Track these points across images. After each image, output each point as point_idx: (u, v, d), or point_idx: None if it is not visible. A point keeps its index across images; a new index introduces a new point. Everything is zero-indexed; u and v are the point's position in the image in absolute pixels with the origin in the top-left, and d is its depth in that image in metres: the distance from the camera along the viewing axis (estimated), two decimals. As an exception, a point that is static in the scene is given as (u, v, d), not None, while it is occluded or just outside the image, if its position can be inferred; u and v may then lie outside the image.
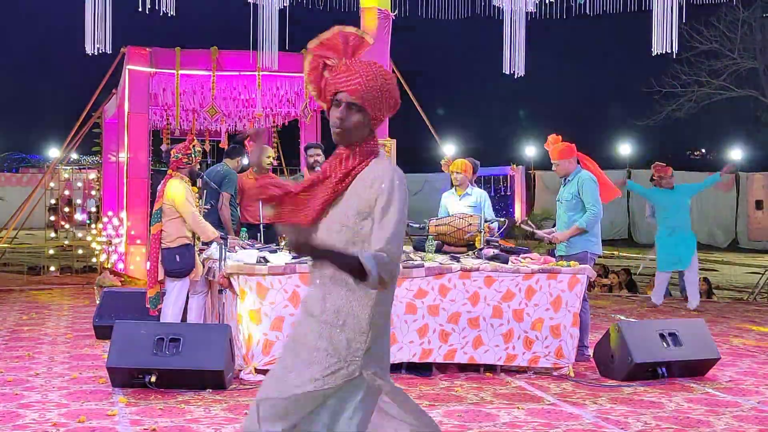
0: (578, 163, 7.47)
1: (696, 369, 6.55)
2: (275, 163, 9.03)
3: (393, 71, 11.17)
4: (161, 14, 8.95)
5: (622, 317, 9.64)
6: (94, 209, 18.66)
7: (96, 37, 9.10)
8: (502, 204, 21.13)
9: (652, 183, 10.86)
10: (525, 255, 6.78)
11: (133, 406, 5.34)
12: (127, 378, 5.74)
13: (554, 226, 7.66)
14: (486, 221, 7.25)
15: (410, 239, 7.93)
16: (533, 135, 32.88)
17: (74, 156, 22.39)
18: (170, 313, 6.78)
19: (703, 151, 40.92)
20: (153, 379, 5.67)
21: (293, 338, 2.89)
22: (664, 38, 9.23)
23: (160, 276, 6.79)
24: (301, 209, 2.85)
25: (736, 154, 34.02)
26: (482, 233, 7.03)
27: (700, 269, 11.02)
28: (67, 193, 19.31)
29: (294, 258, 6.08)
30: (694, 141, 40.18)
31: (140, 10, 8.91)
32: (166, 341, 5.75)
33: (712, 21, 28.07)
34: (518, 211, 21.69)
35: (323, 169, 2.87)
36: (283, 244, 2.92)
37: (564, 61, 39.84)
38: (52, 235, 17.24)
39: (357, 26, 2.88)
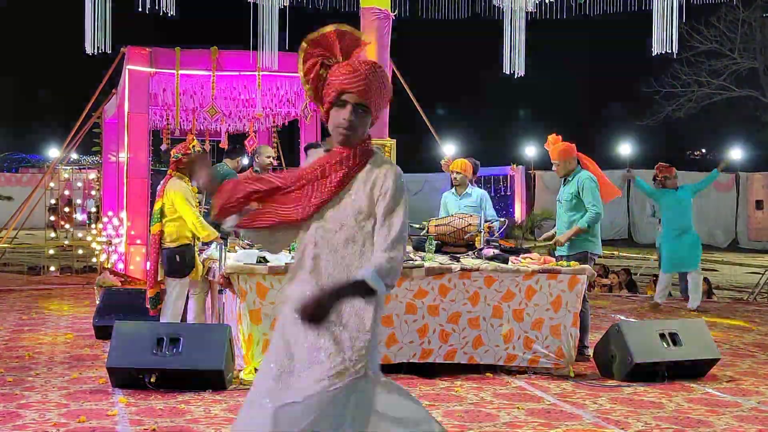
0: (578, 163, 7.47)
1: (696, 369, 6.55)
2: (275, 163, 9.02)
3: (393, 71, 11.17)
4: (161, 14, 8.95)
5: (622, 317, 9.64)
6: (93, 209, 18.66)
7: (96, 37, 9.10)
8: (502, 204, 21.15)
9: (654, 183, 10.87)
10: (525, 255, 6.78)
11: (133, 406, 5.34)
12: (127, 378, 5.74)
13: (554, 226, 7.66)
14: (487, 220, 7.25)
15: (410, 239, 7.94)
16: (533, 135, 32.85)
17: (74, 156, 22.38)
18: (170, 313, 6.78)
19: (703, 151, 40.93)
20: (153, 379, 5.67)
21: (284, 339, 2.82)
22: (664, 38, 9.23)
23: (160, 276, 6.80)
24: (290, 206, 2.81)
25: (736, 153, 34.02)
26: (482, 233, 7.03)
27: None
28: (67, 193, 19.31)
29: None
30: (694, 141, 40.17)
31: (140, 10, 8.91)
32: (166, 341, 5.75)
33: (712, 21, 28.08)
34: (518, 211, 21.70)
35: (319, 168, 2.82)
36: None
37: (564, 61, 39.82)
38: (52, 235, 17.23)
39: (357, 26, 2.88)
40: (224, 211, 2.86)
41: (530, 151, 33.17)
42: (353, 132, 2.82)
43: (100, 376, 6.12)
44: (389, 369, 6.33)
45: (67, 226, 17.94)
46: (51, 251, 14.84)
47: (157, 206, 6.88)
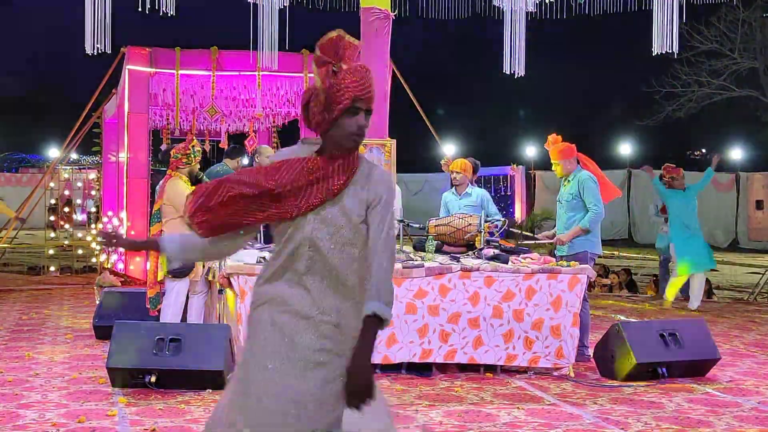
0: (578, 163, 7.47)
1: (696, 369, 6.55)
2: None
3: (393, 71, 11.17)
4: (161, 14, 8.94)
5: (622, 317, 9.64)
6: (93, 209, 18.66)
7: (96, 37, 9.09)
8: (502, 204, 21.14)
9: (659, 183, 10.96)
10: (525, 255, 6.78)
11: (133, 406, 5.34)
12: (127, 378, 5.74)
13: (555, 226, 7.66)
14: (488, 219, 7.25)
15: (410, 239, 7.94)
16: (533, 135, 32.86)
17: (74, 156, 22.37)
18: (170, 313, 6.78)
19: (704, 150, 40.89)
20: (153, 379, 5.67)
21: (273, 342, 2.76)
22: (664, 38, 9.22)
23: (160, 276, 6.79)
24: (281, 206, 2.77)
25: (736, 153, 34.03)
26: (482, 233, 7.03)
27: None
28: (66, 193, 19.30)
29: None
30: (695, 141, 40.17)
31: (140, 10, 8.90)
32: (166, 341, 5.75)
33: (712, 21, 28.06)
34: (518, 211, 21.68)
35: (316, 170, 2.79)
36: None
37: (564, 61, 39.80)
38: (52, 235, 17.23)
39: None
40: (204, 217, 2.78)
41: (530, 151, 33.18)
42: (363, 138, 2.85)
43: (100, 376, 6.12)
44: (389, 369, 6.34)
45: (66, 226, 17.94)
46: (51, 251, 14.85)
47: (156, 206, 6.88)
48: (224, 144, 13.72)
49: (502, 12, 9.97)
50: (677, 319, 8.04)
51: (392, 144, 7.31)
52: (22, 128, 41.73)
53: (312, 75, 11.47)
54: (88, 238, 15.06)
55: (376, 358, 6.27)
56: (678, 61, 26.45)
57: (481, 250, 6.89)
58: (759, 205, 25.31)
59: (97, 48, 9.15)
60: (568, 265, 6.60)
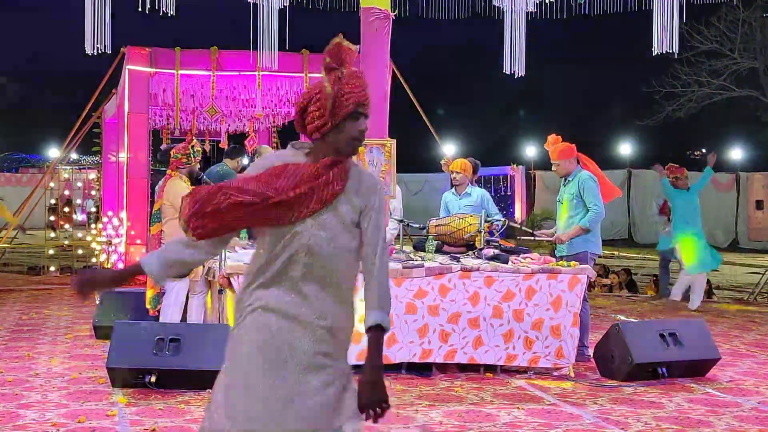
0: (578, 163, 7.47)
1: (696, 369, 6.55)
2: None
3: (393, 71, 11.17)
4: (161, 14, 8.93)
5: (622, 317, 9.64)
6: (93, 209, 18.66)
7: (96, 37, 9.08)
8: (502, 204, 21.15)
9: (668, 183, 11.00)
10: (525, 255, 6.78)
11: (133, 406, 5.34)
12: (127, 378, 5.74)
13: (555, 226, 7.65)
14: (488, 219, 7.25)
15: (410, 239, 7.94)
16: (533, 135, 32.86)
17: (74, 156, 22.37)
18: (170, 313, 6.78)
19: (704, 150, 40.88)
20: (153, 379, 5.67)
21: (265, 349, 2.73)
22: (664, 38, 9.22)
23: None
24: (281, 213, 2.74)
25: (736, 153, 34.03)
26: (482, 233, 7.03)
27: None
28: (66, 193, 19.30)
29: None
30: (695, 141, 40.16)
31: (140, 10, 8.89)
32: (166, 341, 5.75)
33: (712, 21, 28.05)
34: (518, 211, 21.69)
35: (316, 176, 2.77)
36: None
37: (564, 61, 39.82)
38: (52, 235, 17.23)
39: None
40: (200, 223, 2.74)
41: (530, 151, 33.18)
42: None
43: (100, 376, 6.12)
44: (389, 369, 6.34)
45: (66, 226, 17.94)
46: (51, 251, 14.85)
47: (156, 206, 6.88)
48: (224, 144, 13.71)
49: (502, 12, 9.96)
50: (677, 319, 8.05)
51: (392, 144, 7.30)
52: (22, 128, 41.73)
53: (312, 75, 11.52)
54: (88, 238, 15.05)
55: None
56: (678, 61, 26.44)
57: (481, 250, 6.89)
58: (759, 205, 25.31)
59: (97, 48, 9.15)
60: (568, 265, 6.60)
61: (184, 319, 7.01)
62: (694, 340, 6.56)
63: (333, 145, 2.78)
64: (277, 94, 12.59)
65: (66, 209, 18.64)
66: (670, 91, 29.62)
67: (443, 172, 9.81)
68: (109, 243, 13.19)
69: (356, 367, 2.78)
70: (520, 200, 22.32)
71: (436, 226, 7.33)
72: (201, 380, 5.68)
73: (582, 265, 6.66)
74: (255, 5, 9.59)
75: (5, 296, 10.90)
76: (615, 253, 20.10)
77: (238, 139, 14.97)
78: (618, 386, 6.19)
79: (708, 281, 12.52)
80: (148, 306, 6.89)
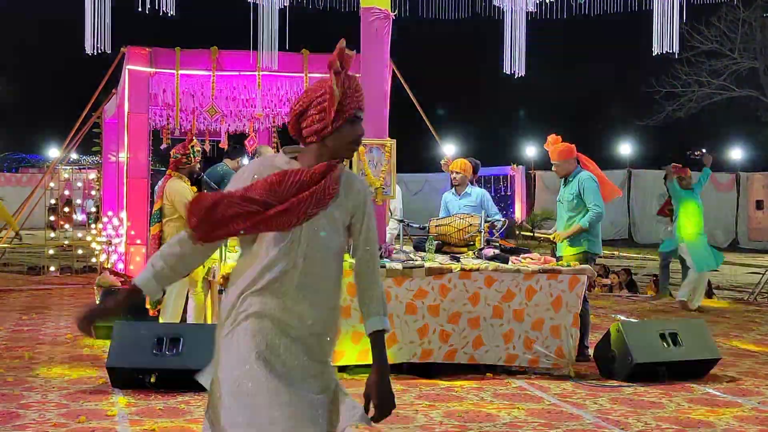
0: (578, 163, 7.47)
1: (696, 369, 6.55)
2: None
3: (393, 71, 11.16)
4: (161, 14, 8.93)
5: (622, 317, 9.64)
6: (93, 209, 18.66)
7: (96, 37, 9.08)
8: (502, 204, 21.15)
9: (665, 183, 11.03)
10: (525, 255, 6.78)
11: (133, 406, 5.34)
12: (127, 378, 5.74)
13: (555, 226, 7.66)
14: (488, 219, 7.25)
15: (410, 239, 7.94)
16: (533, 135, 32.86)
17: (74, 156, 22.37)
18: (170, 312, 6.78)
19: (704, 150, 40.88)
20: (153, 379, 5.67)
21: (262, 357, 2.72)
22: (664, 38, 9.21)
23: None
24: (284, 220, 2.73)
25: (736, 154, 34.02)
26: (482, 233, 7.03)
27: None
28: (66, 193, 19.29)
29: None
30: (695, 141, 40.08)
31: (140, 10, 8.89)
32: (166, 341, 5.75)
33: (713, 21, 28.07)
34: (518, 211, 21.69)
35: (316, 181, 2.76)
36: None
37: (564, 61, 39.81)
38: (52, 235, 17.23)
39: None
40: (206, 230, 2.74)
41: (530, 151, 33.19)
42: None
43: (100, 376, 6.12)
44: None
45: (66, 226, 17.93)
46: (51, 251, 14.84)
47: (156, 206, 6.88)
48: (224, 144, 13.70)
49: (502, 12, 9.95)
50: (677, 319, 8.05)
51: (392, 144, 7.30)
52: (22, 128, 41.73)
53: (312, 75, 11.52)
54: (88, 238, 15.05)
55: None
56: (678, 61, 26.48)
57: (481, 250, 6.88)
58: (759, 205, 25.30)
59: (97, 48, 9.14)
60: (569, 265, 6.60)
61: (184, 319, 7.01)
62: (694, 340, 6.56)
63: (331, 149, 2.78)
64: (277, 94, 12.58)
65: (66, 209, 18.63)
66: (670, 91, 29.64)
67: (443, 172, 9.81)
68: (109, 243, 13.19)
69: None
70: (520, 200, 22.33)
71: (436, 226, 7.33)
72: (201, 380, 5.68)
73: (582, 265, 6.66)
74: (255, 5, 9.59)
75: (5, 296, 10.90)
76: (615, 253, 20.09)
77: (238, 139, 14.95)
78: (618, 386, 6.19)
79: (708, 281, 12.52)
80: (148, 306, 6.89)
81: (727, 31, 28.58)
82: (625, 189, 24.64)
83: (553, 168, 7.60)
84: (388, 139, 7.37)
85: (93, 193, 19.17)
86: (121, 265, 12.00)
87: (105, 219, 13.88)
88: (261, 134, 15.08)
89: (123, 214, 11.87)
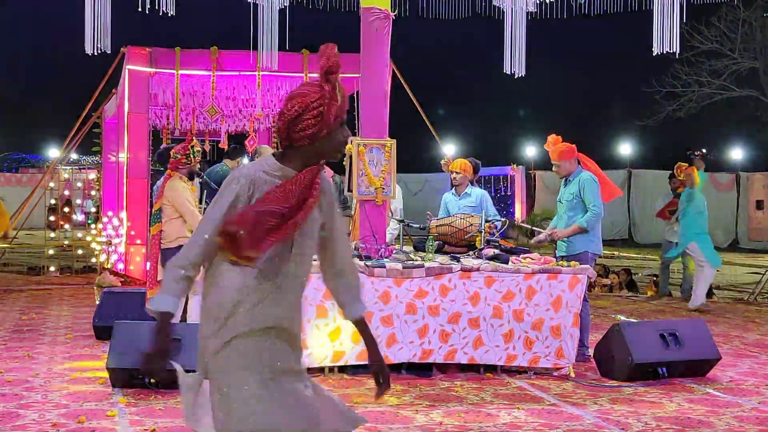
0: (578, 163, 7.47)
1: (696, 369, 6.55)
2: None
3: (393, 71, 11.16)
4: (161, 14, 8.92)
5: (622, 317, 9.64)
6: (93, 209, 18.65)
7: (96, 37, 9.08)
8: (502, 204, 21.14)
9: (672, 182, 11.02)
10: (525, 255, 6.78)
11: (133, 406, 5.34)
12: (127, 378, 5.74)
13: (556, 227, 7.62)
14: (488, 220, 7.25)
15: (410, 239, 7.94)
16: (533, 135, 32.86)
17: (74, 156, 22.37)
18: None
19: (704, 150, 40.89)
20: (153, 379, 5.66)
21: (264, 363, 2.81)
22: (664, 38, 9.21)
23: (160, 276, 6.79)
24: (291, 227, 2.78)
25: (736, 154, 34.01)
26: (483, 233, 7.03)
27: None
28: (66, 193, 19.29)
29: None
30: (695, 141, 40.11)
31: (140, 10, 8.88)
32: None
33: (713, 21, 28.06)
34: (518, 211, 21.68)
35: (311, 185, 2.80)
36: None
37: (564, 61, 39.80)
38: (52, 235, 17.23)
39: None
40: (257, 247, 2.78)
41: (530, 151, 33.18)
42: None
43: (100, 376, 6.12)
44: (389, 369, 6.33)
45: (66, 226, 17.93)
46: (51, 251, 14.85)
47: (156, 206, 6.88)
48: (224, 144, 13.71)
49: (502, 12, 9.95)
50: (677, 319, 8.05)
51: (392, 144, 7.30)
52: (22, 128, 41.71)
53: (312, 75, 11.51)
54: (88, 238, 15.05)
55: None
56: (678, 61, 26.46)
57: (481, 250, 6.88)
58: (759, 205, 25.28)
59: (98, 48, 9.14)
60: (569, 265, 6.60)
61: (184, 319, 7.01)
62: (694, 340, 6.56)
63: (320, 151, 2.82)
64: (277, 94, 12.59)
65: (66, 209, 18.63)
66: (671, 91, 29.63)
67: (443, 172, 9.81)
68: (109, 243, 13.19)
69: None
70: (520, 200, 22.30)
71: (437, 226, 7.33)
72: (201, 380, 5.68)
73: (582, 266, 6.66)
74: (255, 5, 9.59)
75: (5, 296, 10.89)
76: (615, 253, 20.08)
77: (238, 139, 14.97)
78: (618, 386, 6.19)
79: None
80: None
81: (727, 31, 28.58)
82: (625, 189, 24.62)
83: (553, 168, 7.59)
84: (388, 139, 7.37)
85: (93, 193, 19.17)
86: (121, 265, 12.01)
87: (105, 219, 13.88)
88: (261, 134, 15.10)
89: (123, 214, 11.88)
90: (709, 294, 12.18)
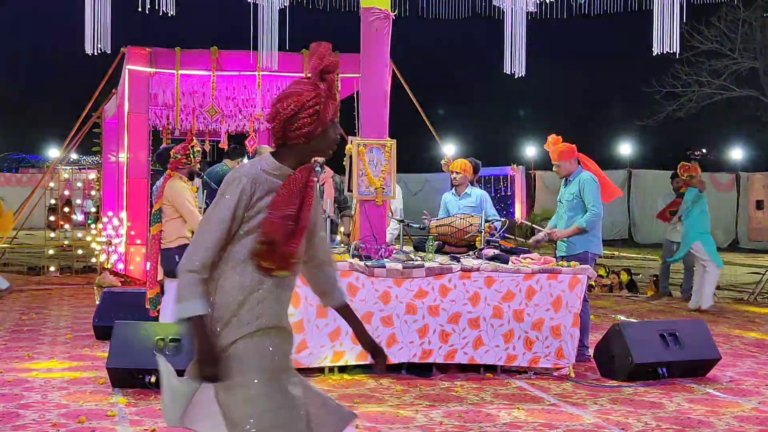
0: (578, 163, 7.47)
1: (696, 369, 6.55)
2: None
3: (393, 71, 11.16)
4: (161, 14, 8.92)
5: (622, 317, 9.64)
6: (93, 209, 18.65)
7: (96, 37, 9.07)
8: (502, 204, 21.14)
9: (674, 182, 11.02)
10: (525, 255, 6.78)
11: (133, 406, 5.34)
12: (127, 378, 5.74)
13: (555, 226, 7.63)
14: (487, 220, 7.25)
15: (410, 239, 7.94)
16: (533, 135, 32.86)
17: (74, 156, 22.37)
18: (169, 313, 6.76)
19: (704, 151, 40.90)
20: (153, 379, 5.66)
21: (270, 363, 2.86)
22: (664, 38, 9.20)
23: (160, 276, 6.79)
24: (300, 227, 2.85)
25: (736, 154, 33.99)
26: (483, 233, 7.03)
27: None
28: (66, 193, 19.29)
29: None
30: (695, 141, 40.15)
31: (140, 10, 8.88)
32: (166, 341, 5.75)
33: (713, 21, 28.04)
34: (518, 211, 21.68)
35: (303, 181, 2.83)
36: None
37: (564, 61, 39.80)
38: (52, 235, 17.23)
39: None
40: (294, 252, 2.87)
41: (530, 151, 33.18)
42: None
43: (100, 376, 6.12)
44: (389, 369, 6.34)
45: (66, 226, 17.92)
46: (51, 251, 14.84)
47: (156, 206, 6.87)
48: (224, 144, 13.71)
49: (502, 12, 9.95)
50: (677, 319, 8.05)
51: (392, 144, 7.30)
52: (22, 128, 41.71)
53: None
54: (88, 238, 15.05)
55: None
56: (678, 61, 26.43)
57: (481, 250, 6.88)
58: (759, 205, 25.26)
59: (98, 48, 9.14)
60: (569, 266, 6.60)
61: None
62: (694, 340, 6.56)
63: (315, 150, 2.87)
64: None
65: (66, 209, 18.62)
66: (671, 91, 29.61)
67: (443, 172, 9.80)
68: (109, 243, 13.19)
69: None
70: (520, 200, 22.31)
71: (436, 226, 7.33)
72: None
73: (582, 266, 6.66)
74: (255, 5, 9.59)
75: (5, 296, 10.89)
76: (615, 253, 20.08)
77: (238, 139, 14.96)
78: (618, 386, 6.19)
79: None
80: (148, 306, 6.89)
81: (727, 31, 28.56)
82: (625, 189, 24.60)
83: (553, 168, 7.59)
84: (388, 139, 7.37)
85: (93, 193, 19.17)
86: (121, 266, 12.01)
87: (105, 219, 13.88)
88: (261, 134, 15.09)
89: (123, 214, 11.87)
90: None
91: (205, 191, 8.60)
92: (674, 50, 9.22)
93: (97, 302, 8.22)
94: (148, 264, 7.04)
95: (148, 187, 11.50)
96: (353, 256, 6.50)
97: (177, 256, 6.71)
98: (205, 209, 7.71)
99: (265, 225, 2.75)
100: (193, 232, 6.78)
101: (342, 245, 7.36)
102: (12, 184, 30.83)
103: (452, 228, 7.23)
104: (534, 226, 7.95)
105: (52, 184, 15.80)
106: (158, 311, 6.89)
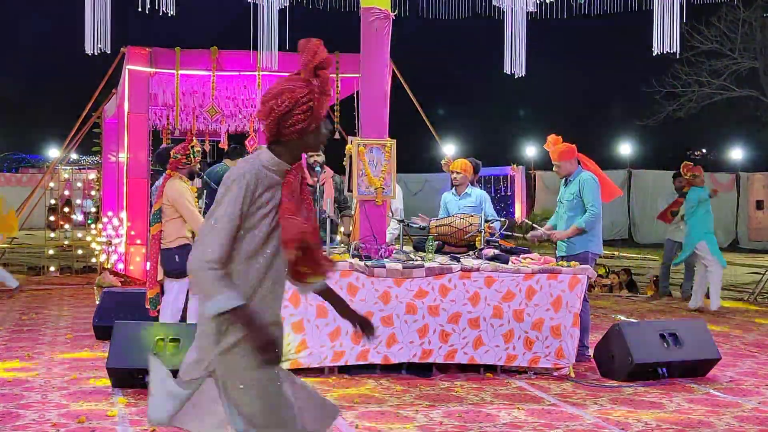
0: (578, 163, 7.47)
1: (696, 369, 6.55)
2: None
3: (393, 71, 11.16)
4: (161, 14, 8.92)
5: (622, 317, 9.64)
6: (93, 210, 18.65)
7: (96, 37, 9.07)
8: (502, 204, 21.15)
9: (677, 182, 11.02)
10: (525, 255, 6.78)
11: (133, 406, 5.34)
12: (127, 378, 5.74)
13: (554, 226, 7.62)
14: (487, 220, 7.25)
15: (410, 239, 7.94)
16: (533, 135, 32.87)
17: (74, 156, 22.37)
18: (169, 313, 6.77)
19: (704, 151, 40.88)
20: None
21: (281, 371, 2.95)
22: (664, 38, 9.20)
23: (160, 276, 6.79)
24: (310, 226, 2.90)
25: (736, 153, 34.00)
26: (482, 233, 7.02)
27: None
28: (66, 193, 19.28)
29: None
30: (695, 141, 40.15)
31: (140, 10, 8.88)
32: (166, 341, 5.74)
33: (713, 21, 28.04)
34: (518, 211, 21.69)
35: (298, 184, 2.88)
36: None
37: (564, 61, 39.81)
38: (52, 235, 17.23)
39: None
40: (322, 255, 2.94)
41: (530, 151, 33.20)
42: None
43: (100, 376, 6.12)
44: (389, 369, 6.34)
45: (66, 226, 17.92)
46: (51, 251, 14.85)
47: (156, 206, 6.87)
48: (224, 144, 13.71)
49: (502, 12, 9.95)
50: (677, 319, 8.05)
51: (392, 144, 7.30)
52: (22, 128, 41.72)
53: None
54: (88, 239, 15.05)
55: (377, 359, 6.28)
56: (678, 61, 26.43)
57: (481, 250, 6.88)
58: (759, 205, 25.27)
59: (98, 48, 9.13)
60: (569, 266, 6.60)
61: (184, 319, 7.01)
62: (694, 340, 6.56)
63: (307, 146, 2.90)
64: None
65: (66, 209, 18.61)
66: (671, 91, 29.61)
67: (443, 172, 9.80)
68: (109, 243, 13.19)
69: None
70: (520, 200, 22.32)
71: (436, 226, 7.33)
72: (201, 380, 5.68)
73: (582, 266, 6.66)
74: (255, 5, 9.58)
75: (5, 296, 10.89)
76: (615, 253, 20.09)
77: (238, 139, 14.97)
78: (618, 386, 6.19)
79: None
80: (148, 306, 6.89)
81: (727, 31, 28.56)
82: (625, 189, 24.62)
83: (553, 168, 7.59)
84: (388, 139, 7.37)
85: (93, 193, 19.16)
86: (121, 266, 12.01)
87: (105, 219, 13.88)
88: (261, 134, 15.08)
89: (123, 214, 11.87)
90: (708, 294, 12.17)
91: (205, 191, 8.60)
92: (674, 50, 9.22)
93: (97, 302, 8.22)
94: (148, 264, 7.04)
95: (148, 187, 11.49)
96: (353, 256, 6.50)
97: (177, 256, 6.71)
98: (205, 209, 7.73)
99: (293, 229, 2.75)
100: (193, 232, 6.78)
101: (342, 245, 7.36)
102: (12, 184, 30.83)
103: (452, 228, 7.23)
104: (534, 225, 7.95)
105: (52, 184, 15.80)
106: (158, 311, 6.89)
